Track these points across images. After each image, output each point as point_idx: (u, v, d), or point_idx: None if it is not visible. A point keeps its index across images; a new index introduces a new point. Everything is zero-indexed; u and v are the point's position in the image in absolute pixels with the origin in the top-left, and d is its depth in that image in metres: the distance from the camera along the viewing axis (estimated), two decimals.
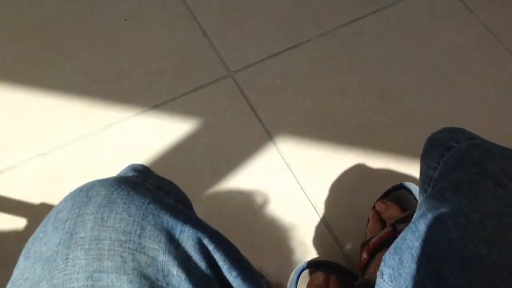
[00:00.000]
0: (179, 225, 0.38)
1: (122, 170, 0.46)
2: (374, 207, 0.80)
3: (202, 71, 0.99)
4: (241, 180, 0.87)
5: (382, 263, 0.51)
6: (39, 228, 0.38)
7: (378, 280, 0.53)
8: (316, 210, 0.84)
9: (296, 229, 0.83)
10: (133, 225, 0.37)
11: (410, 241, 0.43)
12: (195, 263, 0.38)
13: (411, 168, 0.88)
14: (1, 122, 0.93)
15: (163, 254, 0.36)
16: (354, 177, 0.87)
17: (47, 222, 0.38)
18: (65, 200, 0.39)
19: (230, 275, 0.39)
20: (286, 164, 0.89)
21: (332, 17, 1.06)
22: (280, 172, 0.88)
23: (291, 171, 0.88)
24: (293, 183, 0.87)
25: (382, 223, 0.78)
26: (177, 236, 0.38)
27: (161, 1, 1.08)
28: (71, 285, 0.34)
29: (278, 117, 0.94)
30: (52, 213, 0.39)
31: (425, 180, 0.48)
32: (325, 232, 0.83)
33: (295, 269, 0.77)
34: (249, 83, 0.97)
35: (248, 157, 0.89)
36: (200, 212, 0.84)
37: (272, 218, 0.84)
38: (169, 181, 0.48)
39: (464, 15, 1.07)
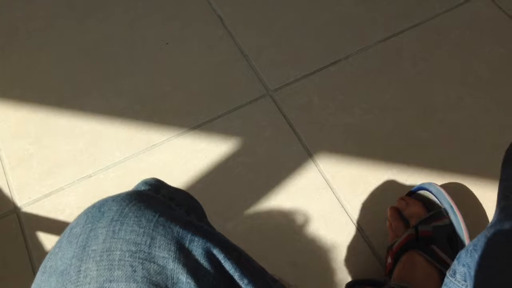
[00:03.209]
0: (189, 235, 0.39)
1: (135, 186, 0.48)
2: (391, 207, 0.79)
3: (240, 90, 1.00)
4: (281, 199, 0.87)
5: (455, 261, 0.50)
6: (55, 244, 0.40)
7: (448, 279, 0.51)
8: (358, 229, 0.83)
9: (338, 248, 0.82)
10: (143, 236, 0.37)
11: (492, 240, 0.42)
12: (205, 271, 0.38)
13: (456, 184, 0.85)
14: (48, 146, 0.96)
15: (172, 262, 0.37)
16: (397, 195, 0.86)
17: (62, 238, 0.40)
18: (79, 216, 0.40)
19: (242, 282, 0.40)
20: (327, 182, 0.88)
21: (371, 33, 1.05)
22: (320, 191, 0.87)
23: (332, 189, 0.87)
24: (334, 202, 0.86)
25: (404, 221, 0.77)
26: (187, 245, 0.38)
27: (200, 24, 1.10)
28: None
29: (318, 135, 0.93)
30: (67, 229, 0.40)
31: (506, 187, 0.49)
32: (367, 251, 0.81)
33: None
34: (288, 102, 0.98)
35: (288, 176, 0.89)
36: (240, 231, 0.84)
37: (313, 237, 0.83)
38: (181, 191, 0.49)
39: (507, 26, 1.04)
